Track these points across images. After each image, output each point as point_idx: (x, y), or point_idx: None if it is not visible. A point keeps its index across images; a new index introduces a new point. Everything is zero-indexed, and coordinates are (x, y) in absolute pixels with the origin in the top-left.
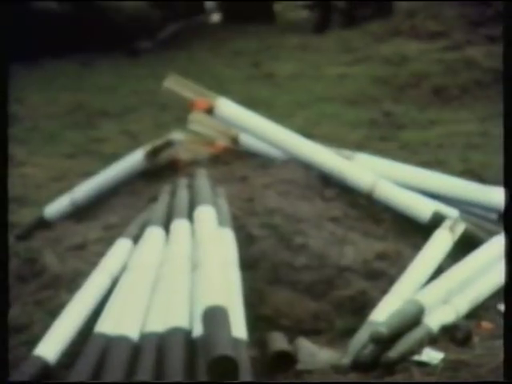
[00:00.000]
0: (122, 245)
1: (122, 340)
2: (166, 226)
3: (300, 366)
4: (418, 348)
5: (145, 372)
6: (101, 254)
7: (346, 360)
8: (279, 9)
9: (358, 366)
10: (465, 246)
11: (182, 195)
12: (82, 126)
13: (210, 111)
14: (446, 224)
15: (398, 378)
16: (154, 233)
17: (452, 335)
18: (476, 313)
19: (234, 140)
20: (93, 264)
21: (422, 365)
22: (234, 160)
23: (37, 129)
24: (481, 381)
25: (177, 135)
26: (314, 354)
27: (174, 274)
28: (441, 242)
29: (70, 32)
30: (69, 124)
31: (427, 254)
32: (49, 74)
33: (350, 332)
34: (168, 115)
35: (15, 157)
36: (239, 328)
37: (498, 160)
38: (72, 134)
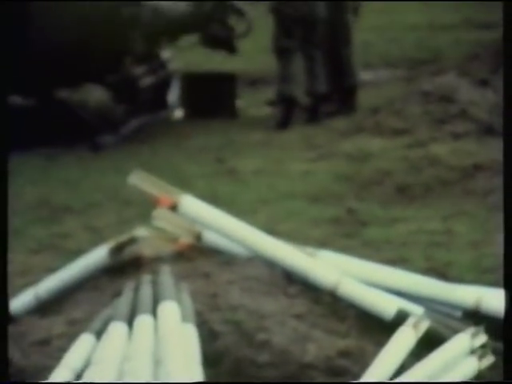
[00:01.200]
0: (85, 340)
1: None
2: (130, 322)
3: None
4: None
5: None
6: (64, 349)
7: None
8: (242, 105)
9: None
10: (428, 343)
11: (146, 291)
12: (45, 221)
13: (173, 208)
14: (410, 321)
15: None
16: (118, 328)
17: None
18: None
19: (198, 237)
20: (56, 359)
21: None
22: (197, 256)
23: None
24: (481, 381)
25: (141, 231)
26: None
27: (136, 370)
28: (404, 340)
29: (35, 126)
30: (32, 219)
31: (390, 352)
32: (13, 168)
33: None
34: (132, 211)
35: None
36: None
37: (462, 258)
38: (36, 229)
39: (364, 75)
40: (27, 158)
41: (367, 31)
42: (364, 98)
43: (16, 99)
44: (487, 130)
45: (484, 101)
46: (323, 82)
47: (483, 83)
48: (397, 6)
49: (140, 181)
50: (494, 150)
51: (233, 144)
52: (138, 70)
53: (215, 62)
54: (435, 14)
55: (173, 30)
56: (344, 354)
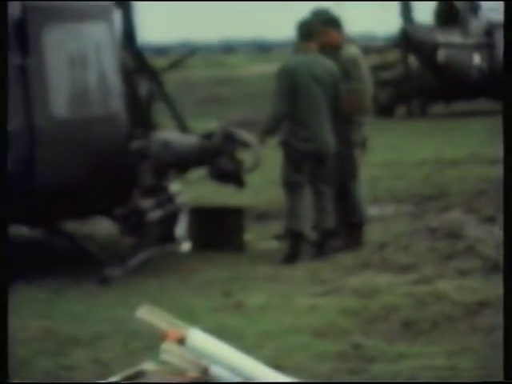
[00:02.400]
0: None
1: None
2: None
3: None
4: None
5: None
6: None
7: None
8: (250, 238)
9: None
10: None
11: None
12: (52, 353)
13: (181, 341)
14: None
15: None
16: None
17: None
18: None
19: (205, 371)
20: None
21: None
22: None
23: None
24: (481, 381)
25: (148, 365)
26: None
27: None
28: None
29: (41, 258)
30: (39, 351)
31: None
32: (20, 301)
33: None
34: (139, 344)
35: None
36: None
37: None
38: (43, 361)
39: (371, 210)
40: (33, 291)
41: (375, 167)
42: (371, 233)
43: (22, 230)
44: (493, 267)
45: (491, 237)
46: (331, 217)
47: (490, 220)
48: (405, 142)
49: (148, 314)
50: (499, 286)
51: (240, 278)
52: (146, 203)
53: (223, 195)
54: (442, 149)
55: (181, 163)
56: None
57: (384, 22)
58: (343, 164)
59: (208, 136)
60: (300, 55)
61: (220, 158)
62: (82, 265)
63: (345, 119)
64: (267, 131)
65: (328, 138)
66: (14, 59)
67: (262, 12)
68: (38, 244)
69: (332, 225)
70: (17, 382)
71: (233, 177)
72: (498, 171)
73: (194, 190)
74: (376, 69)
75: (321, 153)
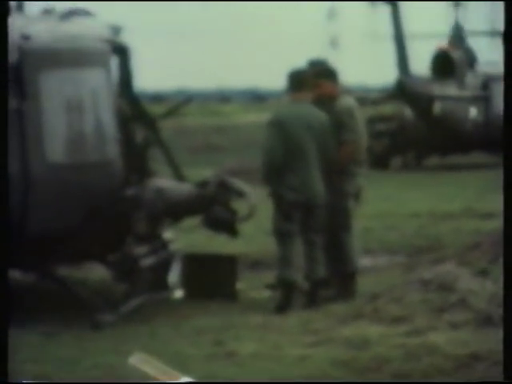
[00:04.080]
0: None
1: None
2: None
3: None
4: None
5: None
6: None
7: None
8: (242, 287)
9: None
10: None
11: None
12: None
13: None
14: None
15: None
16: None
17: None
18: None
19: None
20: None
21: None
22: None
23: None
24: (481, 381)
25: None
26: None
27: None
28: None
29: (34, 302)
30: None
31: None
32: (11, 345)
33: None
34: None
35: None
36: None
37: None
38: None
39: (364, 261)
40: (26, 336)
41: (368, 217)
42: (363, 283)
43: (14, 273)
44: (486, 320)
45: (483, 290)
46: (322, 267)
47: (483, 273)
48: (399, 194)
49: (140, 361)
50: (491, 340)
51: (232, 326)
52: (140, 250)
53: (216, 243)
54: (436, 202)
55: (175, 211)
56: None
57: (379, 74)
58: (336, 214)
59: (203, 184)
60: (291, 105)
61: (214, 207)
62: (74, 310)
63: (338, 170)
64: (266, 181)
65: (318, 188)
66: (10, 103)
67: (257, 61)
68: (31, 288)
69: (323, 274)
70: (17, 382)
71: (226, 225)
72: (492, 225)
73: (187, 237)
74: (371, 120)
75: (311, 202)
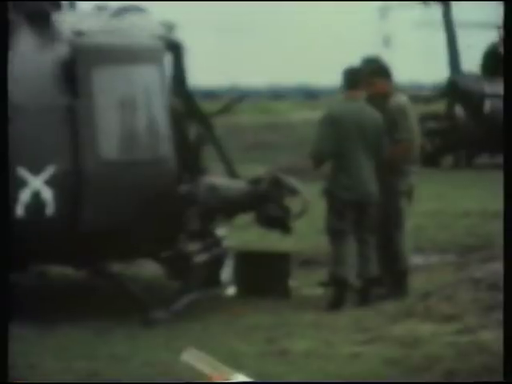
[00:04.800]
0: None
1: None
2: None
3: None
4: None
5: None
6: None
7: None
8: (295, 284)
9: None
10: None
11: None
12: None
13: None
14: None
15: None
16: None
17: None
18: None
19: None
20: None
21: None
22: None
23: None
24: (481, 381)
25: None
26: None
27: None
28: None
29: (87, 299)
30: None
31: None
32: (63, 342)
33: None
34: None
35: None
36: None
37: None
38: None
39: (415, 259)
40: (77, 332)
41: (420, 216)
42: (414, 282)
43: (66, 270)
44: None
45: None
46: (374, 266)
47: None
48: (450, 192)
49: (192, 358)
50: None
51: (284, 324)
52: (193, 247)
53: (269, 240)
54: (487, 201)
55: (228, 208)
56: None
57: (431, 72)
58: (388, 213)
59: (255, 181)
60: (345, 103)
61: (267, 204)
62: (126, 307)
63: (391, 168)
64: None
65: (371, 187)
66: (63, 100)
67: (309, 58)
68: (84, 285)
69: (376, 273)
70: (17, 382)
71: (279, 223)
72: None
73: (240, 234)
74: (423, 118)
75: (363, 201)
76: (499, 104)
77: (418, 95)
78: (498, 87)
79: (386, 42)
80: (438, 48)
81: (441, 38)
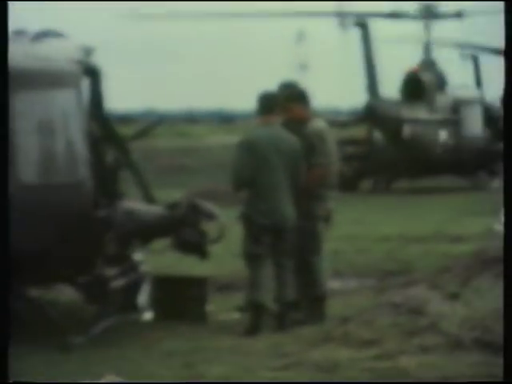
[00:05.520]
0: None
1: None
2: None
3: None
4: None
5: None
6: None
7: None
8: (212, 309)
9: None
10: None
11: None
12: None
13: None
14: None
15: None
16: None
17: None
18: None
19: None
20: None
21: None
22: None
23: None
24: (481, 381)
25: None
26: None
27: None
28: None
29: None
30: None
31: None
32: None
33: None
34: None
35: None
36: None
37: None
38: None
39: (333, 284)
40: None
41: (338, 240)
42: (333, 306)
43: None
44: (457, 344)
45: (454, 314)
46: (292, 290)
47: (454, 296)
48: (368, 217)
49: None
50: (462, 363)
51: (202, 349)
52: (110, 272)
53: (186, 265)
54: (406, 225)
55: (146, 232)
56: None
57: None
58: (306, 237)
59: (173, 206)
60: (261, 128)
61: (184, 229)
62: (44, 331)
63: (309, 193)
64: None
65: (288, 212)
66: None
67: (225, 83)
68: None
69: (293, 297)
70: (17, 382)
71: (196, 247)
72: (462, 248)
73: (157, 259)
74: (341, 143)
75: (280, 226)
76: (418, 129)
77: (335, 120)
78: (416, 112)
79: (303, 66)
80: (356, 73)
81: (359, 62)
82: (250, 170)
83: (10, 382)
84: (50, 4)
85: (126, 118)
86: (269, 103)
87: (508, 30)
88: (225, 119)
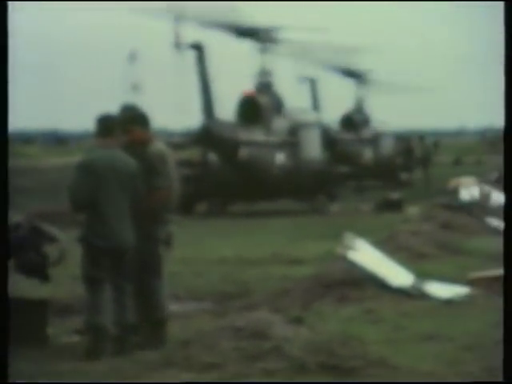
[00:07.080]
0: None
1: None
2: None
3: None
4: None
5: None
6: None
7: None
8: (52, 332)
9: None
10: None
11: None
12: None
13: None
14: None
15: None
16: None
17: None
18: None
19: None
20: None
21: None
22: None
23: None
24: (481, 381)
25: None
26: None
27: None
28: None
29: None
30: None
31: None
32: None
33: None
34: None
35: None
36: None
37: None
38: None
39: (171, 306)
40: None
41: (174, 263)
42: (171, 329)
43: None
44: (301, 368)
45: (298, 338)
46: (131, 313)
47: (296, 320)
48: (204, 240)
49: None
50: None
51: (43, 373)
52: None
53: (25, 288)
54: (243, 248)
55: None
56: None
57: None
58: (146, 260)
59: (13, 228)
60: (99, 150)
61: (25, 251)
62: None
63: (149, 215)
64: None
65: (127, 235)
66: None
67: (57, 102)
68: None
69: (133, 321)
70: (17, 382)
71: (38, 270)
72: (301, 271)
73: None
74: (176, 165)
75: (119, 249)
76: (255, 151)
77: (169, 142)
78: (253, 134)
79: (135, 88)
80: (191, 95)
81: (194, 84)
82: (88, 192)
83: (10, 382)
84: None
85: None
86: (106, 126)
87: (508, 29)
88: (58, 140)
